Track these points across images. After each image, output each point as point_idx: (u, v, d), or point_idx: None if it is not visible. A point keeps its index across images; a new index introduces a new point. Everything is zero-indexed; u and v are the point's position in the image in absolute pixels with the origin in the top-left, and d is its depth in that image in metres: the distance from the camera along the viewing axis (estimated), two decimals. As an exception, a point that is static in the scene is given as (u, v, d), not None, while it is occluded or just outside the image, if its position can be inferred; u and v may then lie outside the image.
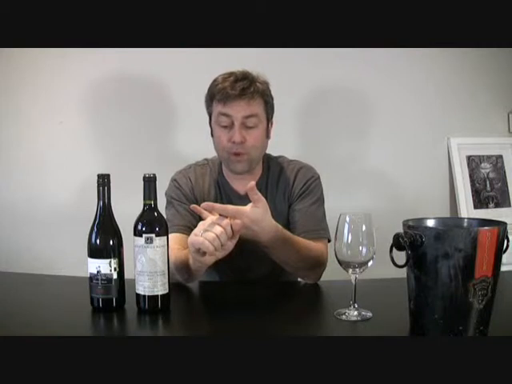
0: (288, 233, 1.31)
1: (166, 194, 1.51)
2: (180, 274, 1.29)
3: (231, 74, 1.40)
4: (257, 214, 1.18)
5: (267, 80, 1.45)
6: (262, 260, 1.39)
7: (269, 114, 1.46)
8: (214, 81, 1.42)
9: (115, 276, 1.13)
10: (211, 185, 1.52)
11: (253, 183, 1.19)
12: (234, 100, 1.36)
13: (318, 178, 1.53)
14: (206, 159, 1.58)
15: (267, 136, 1.48)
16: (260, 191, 1.41)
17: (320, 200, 1.50)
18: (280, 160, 1.56)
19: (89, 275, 1.14)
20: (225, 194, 1.51)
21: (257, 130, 1.41)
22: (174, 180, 1.53)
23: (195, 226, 1.45)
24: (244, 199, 1.42)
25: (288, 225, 1.47)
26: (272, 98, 1.46)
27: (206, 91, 1.45)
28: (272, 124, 1.50)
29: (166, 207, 1.48)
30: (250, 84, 1.38)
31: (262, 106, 1.42)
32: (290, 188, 1.51)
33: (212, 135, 1.48)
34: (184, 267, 1.25)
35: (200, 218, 1.47)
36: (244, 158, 1.41)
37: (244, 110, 1.37)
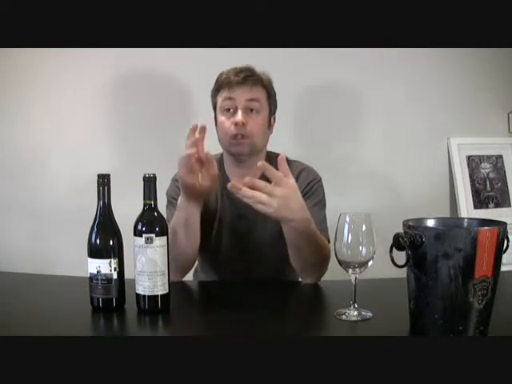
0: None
1: (166, 193, 1.51)
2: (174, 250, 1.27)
3: (236, 67, 1.48)
4: (294, 184, 1.21)
5: (270, 77, 1.51)
6: (262, 261, 1.39)
7: (271, 105, 1.51)
8: (220, 74, 1.49)
9: (115, 276, 1.13)
10: None
11: (283, 156, 1.20)
12: (237, 85, 1.43)
13: (320, 180, 1.53)
14: None
15: (269, 128, 1.52)
16: None
17: (321, 203, 1.50)
18: None
19: (89, 275, 1.14)
20: (225, 191, 1.51)
21: (258, 116, 1.45)
22: (175, 180, 1.52)
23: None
24: None
25: None
26: (275, 93, 1.52)
27: (213, 85, 1.50)
28: (275, 120, 1.54)
29: (167, 206, 1.49)
30: (252, 73, 1.46)
31: (265, 95, 1.48)
32: None
33: (216, 126, 1.51)
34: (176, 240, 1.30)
35: (202, 219, 1.48)
36: (246, 141, 1.44)
37: (247, 93, 1.43)
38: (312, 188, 1.50)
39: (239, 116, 1.42)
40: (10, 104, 2.08)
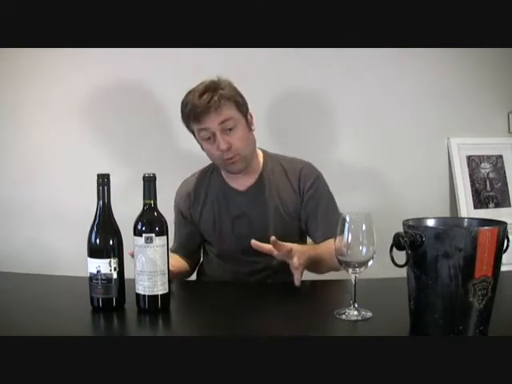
0: (315, 251, 1.39)
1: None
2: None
3: (193, 90, 1.45)
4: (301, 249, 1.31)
5: (229, 80, 1.48)
6: (264, 258, 1.42)
7: (243, 111, 1.48)
8: (182, 103, 1.47)
9: (115, 276, 1.13)
10: (210, 187, 1.58)
11: (273, 238, 1.25)
12: (205, 114, 1.41)
13: (320, 175, 1.57)
14: (208, 165, 1.64)
15: (250, 129, 1.51)
16: (263, 186, 1.53)
17: (332, 202, 1.55)
18: (279, 157, 1.60)
19: (89, 275, 1.14)
20: (222, 193, 1.56)
21: (237, 131, 1.45)
22: (176, 193, 1.63)
23: (193, 245, 1.62)
24: (242, 195, 1.53)
25: (298, 226, 1.54)
26: (241, 96, 1.49)
27: (180, 115, 1.48)
28: (252, 116, 1.52)
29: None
30: (213, 95, 1.41)
31: (234, 107, 1.45)
32: (297, 190, 1.54)
33: (202, 149, 1.53)
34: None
35: (204, 222, 1.57)
36: (237, 158, 1.46)
37: (216, 118, 1.41)
38: (317, 190, 1.53)
39: (221, 144, 1.42)
40: (10, 105, 2.08)
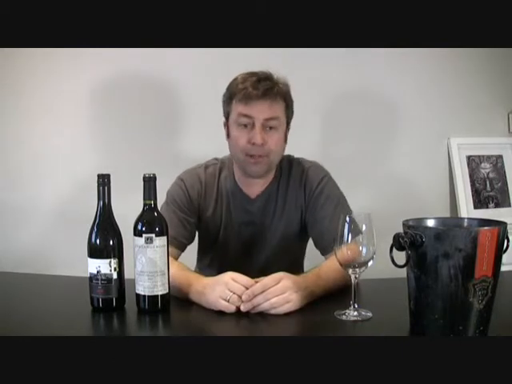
0: (314, 276, 1.23)
1: (168, 192, 1.45)
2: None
3: (253, 74, 1.35)
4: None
5: (288, 82, 1.40)
6: (269, 264, 1.40)
7: (289, 117, 1.41)
8: (235, 79, 1.37)
9: (115, 276, 1.13)
10: (221, 187, 1.47)
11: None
12: (256, 101, 1.31)
13: (328, 175, 1.47)
14: (215, 159, 1.52)
15: (285, 141, 1.42)
16: (271, 195, 1.43)
17: (340, 201, 1.43)
18: (290, 160, 1.50)
19: (89, 275, 1.14)
20: (233, 197, 1.46)
21: (277, 133, 1.35)
22: (180, 179, 1.46)
23: (185, 239, 1.40)
24: (253, 202, 1.44)
25: (299, 232, 1.46)
26: (292, 102, 1.41)
27: (225, 90, 1.39)
28: (289, 128, 1.44)
29: (162, 207, 1.40)
30: (272, 85, 1.33)
31: (283, 109, 1.37)
32: (302, 193, 1.44)
33: (228, 136, 1.42)
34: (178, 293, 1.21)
35: (208, 225, 1.45)
36: (263, 160, 1.36)
37: (266, 111, 1.32)
38: (324, 188, 1.42)
39: (257, 137, 1.31)
40: (10, 104, 2.08)
